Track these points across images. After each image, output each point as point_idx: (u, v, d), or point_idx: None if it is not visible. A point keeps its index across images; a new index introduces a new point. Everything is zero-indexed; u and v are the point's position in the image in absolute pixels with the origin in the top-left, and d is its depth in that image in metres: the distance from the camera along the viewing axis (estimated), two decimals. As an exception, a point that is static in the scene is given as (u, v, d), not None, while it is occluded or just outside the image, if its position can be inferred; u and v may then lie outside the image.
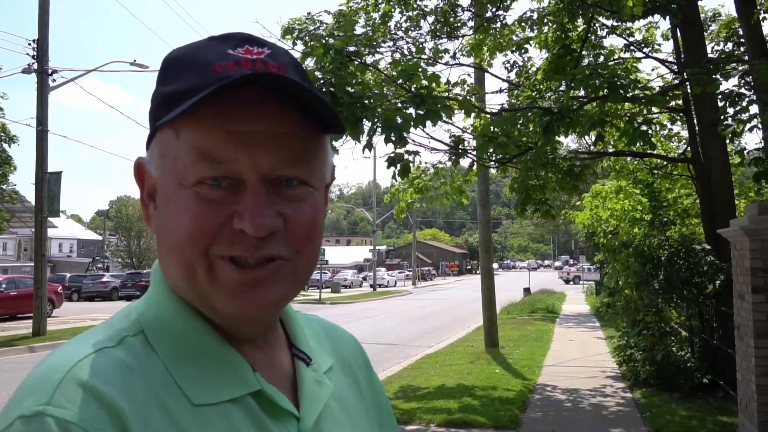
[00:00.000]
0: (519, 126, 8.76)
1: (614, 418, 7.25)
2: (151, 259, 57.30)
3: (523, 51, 11.35)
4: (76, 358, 0.64)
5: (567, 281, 49.51)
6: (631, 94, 7.19)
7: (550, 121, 7.08)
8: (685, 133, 12.41)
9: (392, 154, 7.79)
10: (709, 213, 9.11)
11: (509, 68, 11.73)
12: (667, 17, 8.38)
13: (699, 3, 9.37)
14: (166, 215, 0.70)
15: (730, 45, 11.70)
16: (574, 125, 7.33)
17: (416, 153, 7.95)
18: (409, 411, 7.58)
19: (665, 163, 12.20)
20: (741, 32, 10.03)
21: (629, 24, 10.17)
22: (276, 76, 0.66)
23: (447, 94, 7.87)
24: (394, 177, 8.19)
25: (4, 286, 20.72)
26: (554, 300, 25.53)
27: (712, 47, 11.70)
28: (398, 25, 10.46)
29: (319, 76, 7.06)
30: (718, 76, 6.69)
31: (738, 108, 6.86)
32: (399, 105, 7.35)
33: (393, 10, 10.22)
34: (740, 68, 6.79)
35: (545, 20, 10.55)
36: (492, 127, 8.16)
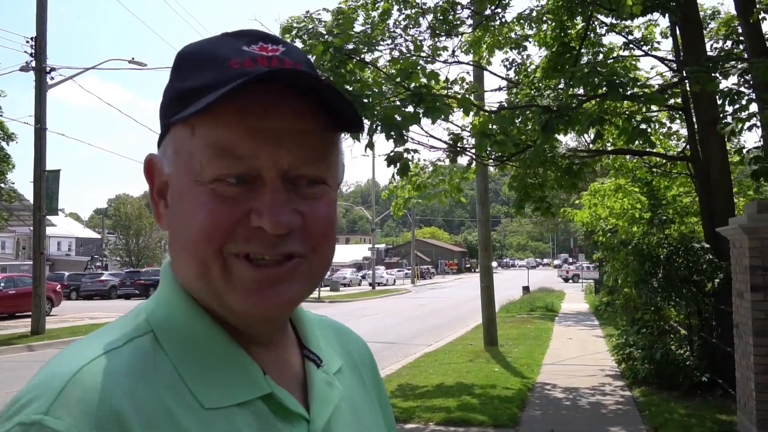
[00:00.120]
0: (518, 124, 8.76)
1: (613, 416, 7.25)
2: (150, 258, 57.36)
3: (522, 49, 11.34)
4: (80, 363, 0.63)
5: (566, 279, 49.56)
6: (630, 92, 7.20)
7: (549, 119, 7.08)
8: (684, 131, 12.42)
9: (392, 153, 7.79)
10: (708, 211, 9.11)
11: (508, 66, 11.73)
12: (666, 15, 8.37)
13: (698, 1, 9.36)
14: (180, 212, 0.69)
15: (729, 43, 11.70)
16: (573, 123, 7.33)
17: (415, 151, 7.96)
18: (408, 409, 7.58)
19: (664, 161, 12.20)
20: (740, 30, 10.02)
21: (628, 22, 10.18)
22: (300, 73, 0.66)
23: (446, 92, 7.87)
24: (393, 176, 8.19)
25: (2, 284, 20.70)
26: (553, 298, 25.54)
27: (712, 45, 11.70)
28: (397, 23, 10.45)
29: (318, 74, 7.05)
30: (717, 75, 6.69)
31: (737, 106, 6.86)
32: (398, 103, 7.34)
33: (392, 8, 10.21)
34: (739, 66, 6.79)
35: (544, 18, 10.55)
36: (490, 125, 8.15)
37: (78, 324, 17.97)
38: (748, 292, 5.72)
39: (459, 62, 11.10)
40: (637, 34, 11.49)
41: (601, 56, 10.76)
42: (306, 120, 0.68)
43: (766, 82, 6.76)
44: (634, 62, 11.27)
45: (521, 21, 10.87)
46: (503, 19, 10.72)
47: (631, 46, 11.02)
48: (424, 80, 7.43)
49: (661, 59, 11.15)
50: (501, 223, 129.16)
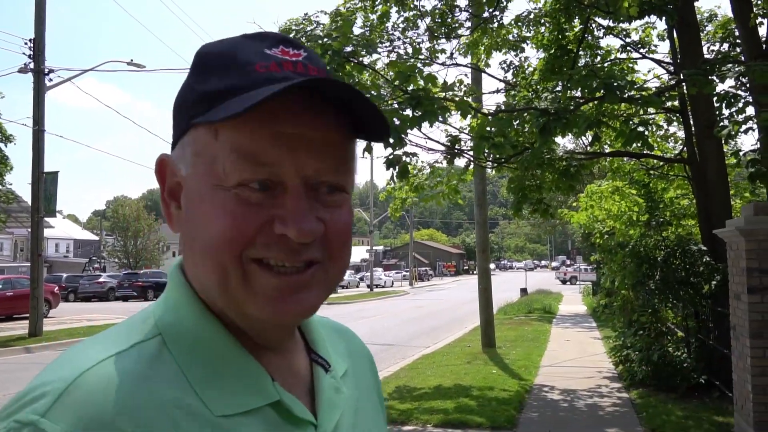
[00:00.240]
0: (515, 126, 8.78)
1: (610, 418, 7.27)
2: (148, 260, 57.25)
3: (519, 51, 11.37)
4: (85, 366, 0.62)
5: (564, 281, 49.59)
6: (627, 95, 7.22)
7: (547, 122, 7.10)
8: (681, 134, 12.45)
9: (390, 156, 7.81)
10: (705, 213, 9.14)
11: (506, 68, 11.76)
12: (663, 18, 8.40)
13: (695, 4, 9.39)
14: (198, 215, 0.68)
15: (726, 46, 11.74)
16: (570, 126, 7.35)
17: (414, 155, 7.97)
18: (406, 411, 7.58)
19: (661, 163, 12.24)
20: (737, 33, 10.06)
21: (626, 24, 10.21)
22: (342, 84, 0.65)
23: (444, 95, 7.89)
24: (392, 179, 8.20)
25: (0, 286, 20.67)
26: (551, 300, 25.57)
27: (709, 48, 11.74)
28: (395, 26, 10.47)
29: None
30: (714, 77, 6.71)
31: (734, 109, 6.89)
32: (396, 106, 7.36)
33: (390, 10, 10.24)
34: (736, 69, 6.82)
35: (542, 20, 10.58)
36: (488, 128, 8.17)
37: (76, 326, 17.94)
38: (745, 294, 5.73)
39: (457, 64, 11.13)
40: (635, 37, 11.54)
41: (598, 59, 10.80)
42: (331, 127, 0.68)
43: (763, 85, 6.79)
44: (631, 65, 11.31)
45: (519, 23, 10.90)
46: (501, 22, 10.75)
47: (628, 48, 11.06)
48: (422, 83, 7.45)
49: (659, 62, 11.19)
50: (499, 225, 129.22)
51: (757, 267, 5.69)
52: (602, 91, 7.14)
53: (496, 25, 10.72)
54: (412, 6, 10.28)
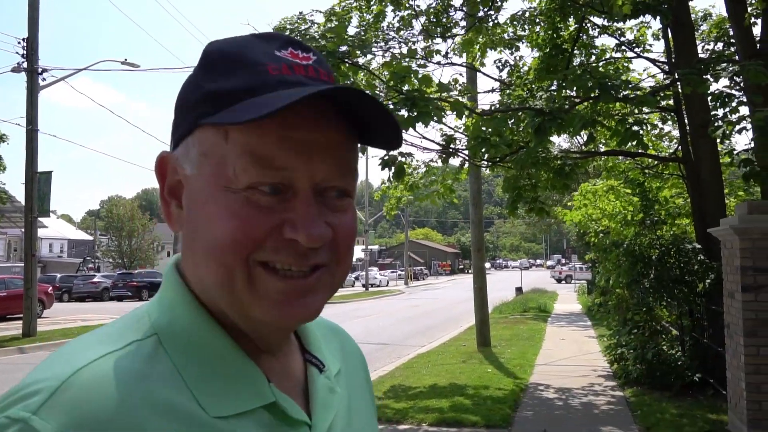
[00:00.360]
0: (510, 125, 8.78)
1: (605, 416, 7.29)
2: (142, 260, 57.10)
3: (514, 49, 11.38)
4: (79, 364, 0.62)
5: (559, 280, 49.71)
6: (622, 94, 7.23)
7: (542, 122, 7.11)
8: (676, 133, 12.49)
9: (386, 157, 7.81)
10: (700, 212, 9.17)
11: (500, 67, 11.77)
12: (658, 18, 8.42)
13: (690, 3, 9.42)
14: (203, 216, 0.67)
15: (720, 45, 11.77)
16: (565, 126, 7.36)
17: (409, 155, 7.98)
18: (401, 410, 7.58)
19: (656, 162, 12.27)
20: (731, 33, 10.09)
21: (620, 24, 10.23)
22: (366, 95, 0.65)
23: (438, 94, 7.90)
24: (389, 179, 8.20)
25: (-7, 286, 20.59)
26: (546, 299, 25.61)
27: (703, 47, 11.77)
28: (390, 26, 10.47)
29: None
30: (708, 77, 6.73)
31: (728, 109, 6.91)
32: (391, 107, 7.36)
33: (386, 9, 10.24)
34: (730, 69, 6.84)
35: (537, 20, 10.59)
36: (483, 127, 8.18)
37: (70, 326, 17.87)
38: (739, 293, 5.76)
39: (452, 63, 11.13)
40: (630, 36, 11.56)
41: (593, 58, 10.82)
42: (339, 132, 0.68)
43: (757, 84, 6.81)
44: (626, 64, 11.34)
45: (514, 22, 10.91)
46: (496, 21, 10.76)
47: (623, 47, 11.08)
48: (416, 83, 7.45)
49: (654, 61, 11.21)
50: (494, 224, 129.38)
51: (751, 265, 5.71)
52: (597, 90, 7.16)
53: (491, 24, 10.72)
54: (407, 5, 10.28)
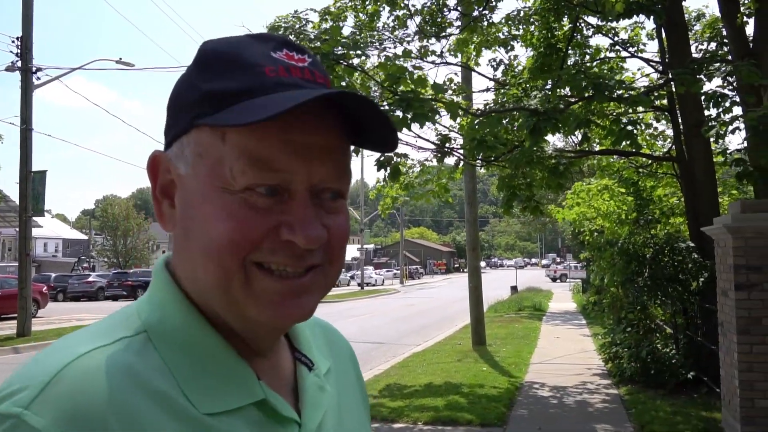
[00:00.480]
0: (505, 124, 8.81)
1: (600, 414, 7.32)
2: (137, 259, 56.97)
3: (509, 48, 11.41)
4: (69, 358, 0.62)
5: (554, 279, 49.84)
6: (616, 94, 7.26)
7: (537, 122, 7.13)
8: (670, 132, 12.54)
9: (381, 158, 7.82)
10: (693, 211, 9.21)
11: (495, 67, 11.79)
12: (652, 17, 8.46)
13: (683, 3, 9.46)
14: (199, 217, 0.67)
15: (713, 45, 11.83)
16: (560, 126, 7.39)
17: (405, 155, 7.99)
18: (396, 409, 7.60)
19: (650, 161, 12.31)
20: (725, 32, 10.14)
21: (615, 24, 10.27)
22: (368, 101, 0.66)
23: (433, 95, 7.91)
24: (385, 180, 8.20)
25: (-12, 286, 20.50)
26: (541, 298, 25.66)
27: (697, 47, 11.82)
28: (386, 26, 10.48)
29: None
30: (701, 77, 6.77)
31: (721, 109, 6.95)
32: (386, 107, 7.37)
33: (381, 9, 10.24)
34: (723, 69, 6.88)
35: (531, 19, 10.62)
36: (478, 127, 8.20)
37: (65, 326, 17.83)
38: (732, 291, 5.79)
39: (447, 63, 11.15)
40: (624, 36, 11.60)
41: (587, 57, 10.85)
42: (337, 135, 0.69)
43: (750, 84, 6.85)
44: (620, 63, 11.37)
45: (509, 22, 10.93)
46: (491, 20, 10.79)
47: (617, 47, 11.12)
48: (412, 86, 7.46)
49: (647, 61, 11.26)
50: (489, 223, 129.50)
51: (744, 264, 5.74)
52: (591, 90, 7.18)
53: (486, 23, 10.75)
54: (402, 5, 10.28)
